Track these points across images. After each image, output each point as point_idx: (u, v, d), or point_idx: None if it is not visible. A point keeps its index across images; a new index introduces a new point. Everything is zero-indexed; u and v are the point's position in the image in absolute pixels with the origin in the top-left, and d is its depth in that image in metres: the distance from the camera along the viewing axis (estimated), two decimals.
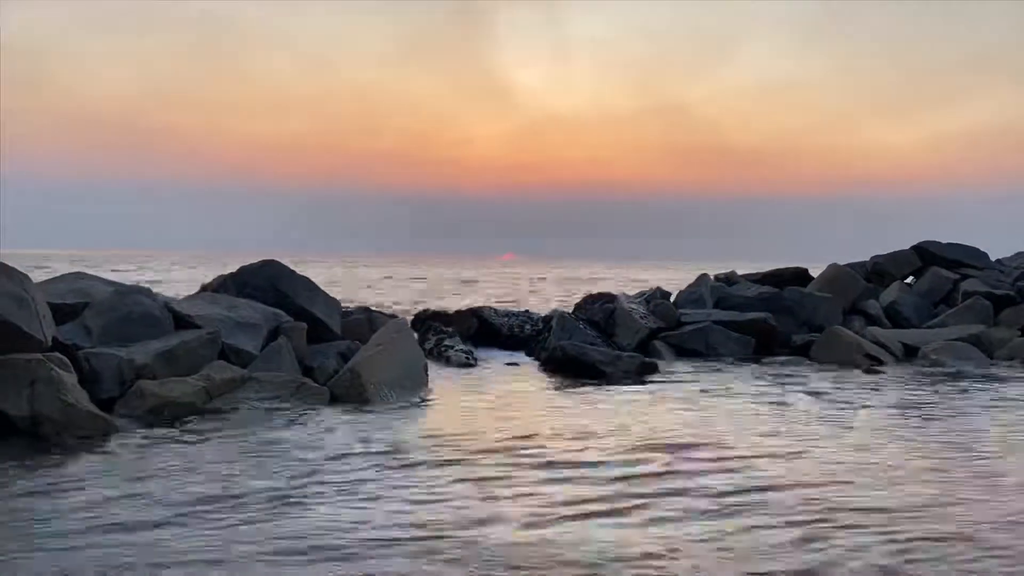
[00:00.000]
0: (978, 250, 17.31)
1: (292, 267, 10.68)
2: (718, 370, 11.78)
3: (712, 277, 16.91)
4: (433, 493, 5.45)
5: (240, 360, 8.69)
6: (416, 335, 12.18)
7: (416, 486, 5.61)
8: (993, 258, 18.05)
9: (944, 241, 17.31)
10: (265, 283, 10.33)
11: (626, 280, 37.32)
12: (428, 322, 13.61)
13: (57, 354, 7.21)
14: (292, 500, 5.22)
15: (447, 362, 11.64)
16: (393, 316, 12.60)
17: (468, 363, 11.66)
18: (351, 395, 8.39)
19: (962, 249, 17.14)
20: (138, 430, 7.02)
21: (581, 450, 6.69)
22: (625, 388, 9.87)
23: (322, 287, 10.82)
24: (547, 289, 31.70)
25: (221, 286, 10.45)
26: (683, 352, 13.40)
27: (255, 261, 10.59)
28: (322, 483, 5.62)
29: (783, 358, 12.80)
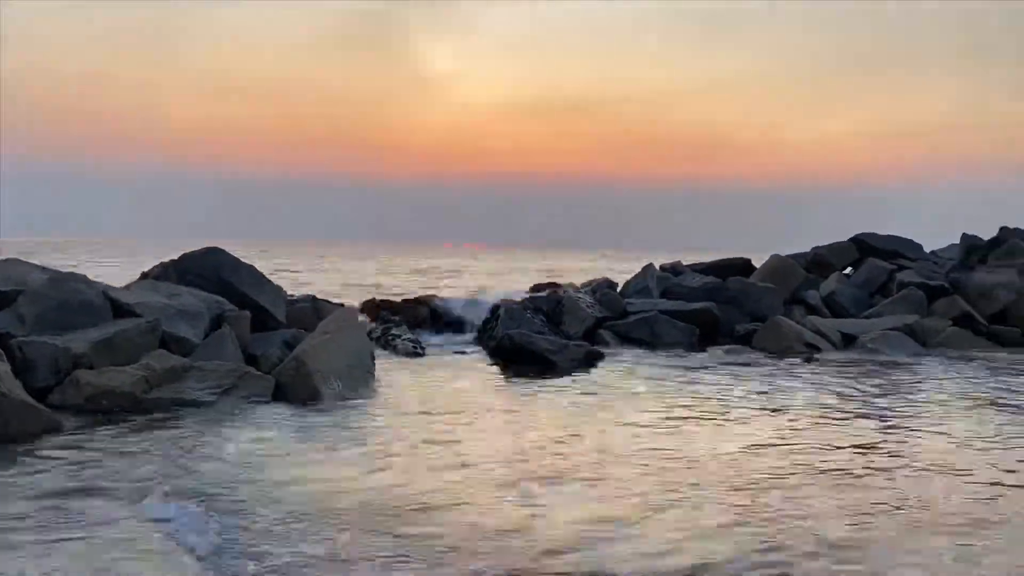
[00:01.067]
0: (913, 242, 17.85)
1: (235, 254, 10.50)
2: (661, 358, 11.97)
3: (658, 267, 17.16)
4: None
5: (182, 349, 8.53)
6: (364, 324, 12.12)
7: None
8: (928, 250, 18.64)
9: (881, 233, 17.82)
10: (208, 271, 10.15)
11: (575, 269, 37.51)
12: (376, 311, 13.54)
13: None
14: None
15: (395, 351, 11.60)
16: (340, 305, 12.50)
17: (416, 352, 11.63)
18: (296, 384, 8.30)
19: (898, 241, 17.66)
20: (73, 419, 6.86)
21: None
22: (568, 381, 9.89)
23: (266, 275, 10.68)
24: (497, 278, 31.71)
25: (162, 274, 10.23)
26: (629, 340, 13.57)
27: (197, 248, 10.39)
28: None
29: (727, 347, 13.04)
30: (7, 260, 9.41)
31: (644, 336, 13.58)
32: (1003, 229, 17.99)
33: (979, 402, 8.93)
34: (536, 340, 10.81)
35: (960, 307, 14.58)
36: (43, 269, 9.21)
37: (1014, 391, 9.57)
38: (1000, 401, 8.97)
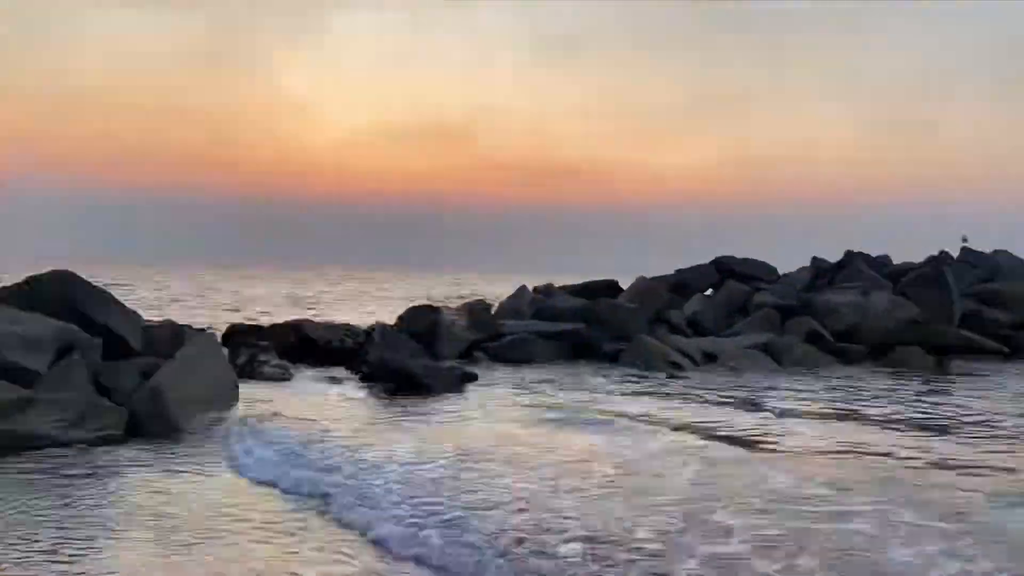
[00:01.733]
0: (769, 265, 18.93)
1: (88, 278, 9.92)
2: (531, 378, 12.13)
3: (532, 289, 17.46)
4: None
5: (24, 379, 7.97)
6: (226, 351, 11.70)
7: None
8: (781, 272, 19.80)
9: (740, 256, 18.80)
10: (56, 295, 9.54)
11: (449, 293, 37.57)
12: (241, 336, 13.10)
13: None
14: None
15: (261, 377, 11.24)
16: (202, 330, 12.02)
17: (283, 378, 11.32)
18: (152, 415, 7.91)
19: (755, 264, 18.68)
20: None
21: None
22: (441, 407, 9.86)
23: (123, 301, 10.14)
24: (372, 302, 31.33)
25: (7, 297, 9.55)
26: (503, 361, 13.72)
27: (44, 271, 9.77)
28: None
29: (595, 365, 13.39)
30: None
31: (517, 356, 13.77)
32: (847, 253, 19.38)
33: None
34: (410, 364, 10.76)
35: (810, 325, 15.55)
36: None
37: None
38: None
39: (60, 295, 9.55)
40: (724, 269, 18.45)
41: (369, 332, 13.09)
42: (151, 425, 7.83)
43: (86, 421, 7.62)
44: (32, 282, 9.74)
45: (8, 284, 9.89)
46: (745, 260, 18.67)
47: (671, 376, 12.46)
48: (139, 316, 10.33)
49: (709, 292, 18.50)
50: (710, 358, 14.31)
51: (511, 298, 16.69)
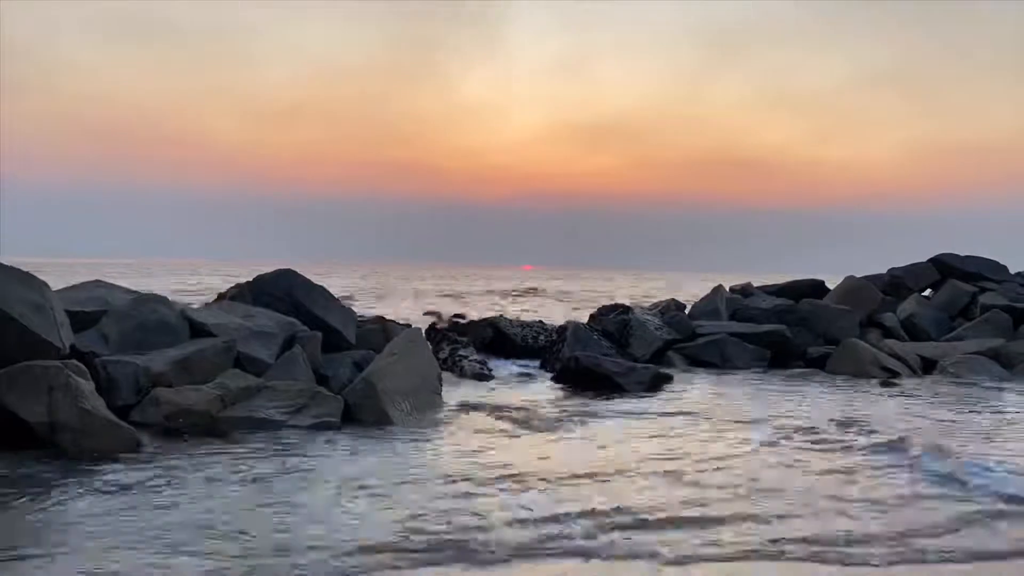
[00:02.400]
0: (997, 263, 17.14)
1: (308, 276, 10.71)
2: (729, 383, 11.72)
3: (728, 289, 16.87)
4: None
5: (255, 368, 8.71)
6: (430, 345, 12.19)
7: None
8: (1013, 271, 17.89)
9: (962, 254, 17.18)
10: (281, 292, 10.37)
11: (642, 291, 37.20)
12: (443, 331, 13.61)
13: (74, 361, 7.25)
14: None
15: (461, 372, 11.64)
16: (408, 326, 12.61)
17: (482, 373, 11.64)
18: (365, 405, 8.38)
19: (981, 262, 16.99)
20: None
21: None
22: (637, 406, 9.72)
23: (336, 296, 10.85)
24: (562, 299, 31.67)
25: (237, 295, 10.50)
26: (698, 363, 13.38)
27: (271, 270, 10.64)
28: None
29: (798, 370, 12.73)
30: (93, 281, 9.79)
31: (714, 359, 13.36)
32: None
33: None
34: (603, 362, 10.72)
35: None
36: (126, 290, 9.55)
37: None
38: None
39: (284, 291, 10.37)
40: (945, 267, 16.93)
41: (562, 330, 13.16)
42: (364, 414, 8.29)
43: (307, 408, 8.19)
44: (259, 280, 10.65)
45: (240, 282, 10.84)
46: (968, 257, 17.03)
47: (885, 384, 11.59)
48: (353, 311, 11.00)
49: (927, 293, 17.06)
50: (929, 365, 13.19)
51: (706, 298, 16.17)
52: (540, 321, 15.07)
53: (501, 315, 15.54)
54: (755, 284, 17.40)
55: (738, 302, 15.72)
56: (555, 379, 11.41)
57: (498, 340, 13.83)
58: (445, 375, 10.55)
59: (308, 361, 9.05)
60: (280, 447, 7.03)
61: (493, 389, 10.70)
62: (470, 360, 12.05)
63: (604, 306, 17.10)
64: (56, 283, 8.51)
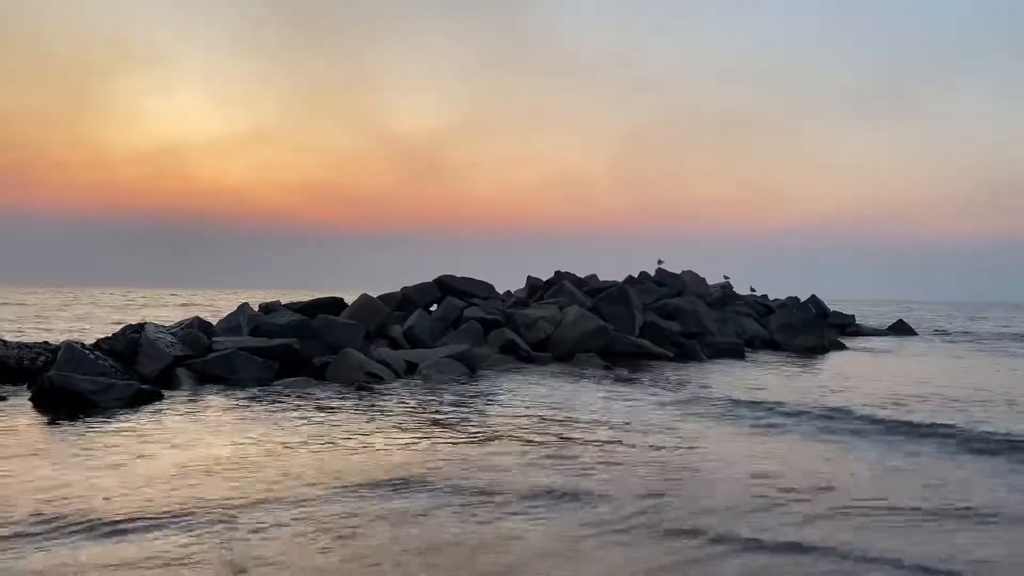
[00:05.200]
0: (486, 283, 20.67)
1: None
2: (226, 395, 12.77)
3: (257, 306, 18.02)
4: None
5: None
6: None
7: None
8: (503, 290, 21.68)
9: (460, 275, 20.43)
10: None
11: (216, 307, 36.86)
12: None
13: None
14: None
15: None
16: None
17: None
18: None
19: (472, 282, 20.36)
20: None
21: None
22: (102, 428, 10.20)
23: None
24: (97, 319, 30.19)
25: None
26: (208, 378, 14.13)
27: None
28: None
29: (295, 379, 14.16)
30: None
31: (221, 372, 14.21)
32: (556, 273, 21.60)
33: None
34: (76, 381, 10.95)
35: (506, 336, 17.33)
36: None
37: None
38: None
39: None
40: (445, 286, 19.98)
41: (56, 350, 13.09)
42: None
43: None
44: None
45: None
46: (463, 278, 20.31)
47: (361, 388, 13.49)
48: None
49: (434, 307, 19.94)
50: (413, 367, 15.62)
51: (231, 315, 17.13)
52: (44, 342, 14.71)
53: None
54: (288, 301, 18.81)
55: (260, 318, 16.93)
56: (33, 402, 11.20)
57: None
58: None
59: None
60: None
61: None
62: None
63: (128, 325, 17.18)
64: None
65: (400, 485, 6.93)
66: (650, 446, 8.85)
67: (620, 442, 9.02)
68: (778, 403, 12.22)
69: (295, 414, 10.69)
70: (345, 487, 6.84)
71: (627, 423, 10.30)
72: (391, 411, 11.09)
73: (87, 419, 9.98)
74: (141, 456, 7.94)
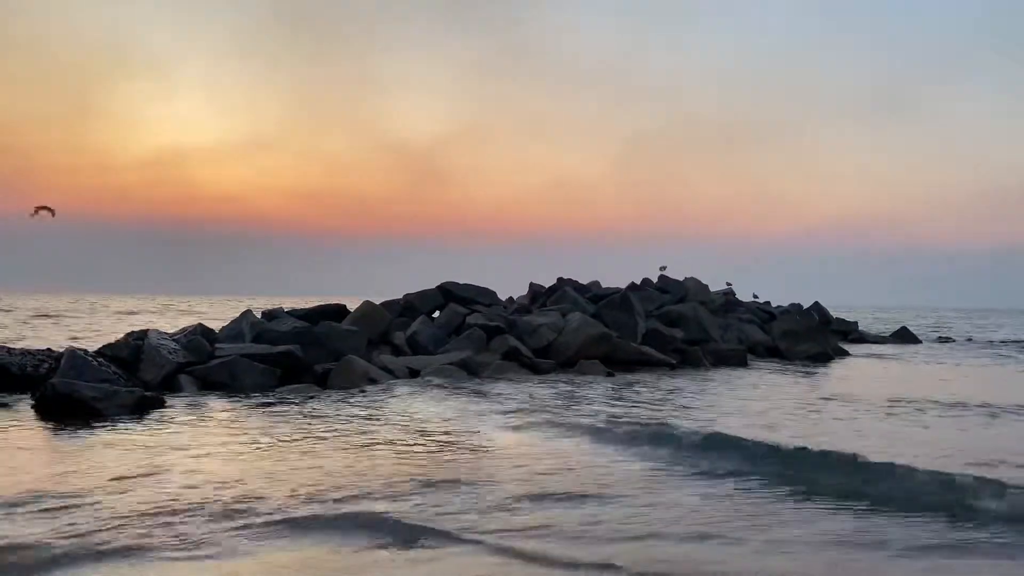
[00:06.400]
0: (488, 290, 20.67)
1: None
2: (226, 402, 12.77)
3: (260, 313, 18.03)
4: None
5: None
6: None
7: None
8: (506, 296, 21.67)
9: (462, 282, 20.43)
10: None
11: (218, 314, 36.88)
12: None
13: None
14: None
15: None
16: None
17: None
18: None
19: (475, 289, 20.36)
20: None
21: None
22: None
23: None
24: (104, 325, 30.20)
25: None
26: (210, 385, 14.12)
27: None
28: None
29: (296, 386, 14.14)
30: None
31: (223, 379, 14.21)
32: (559, 279, 21.60)
33: None
34: (79, 387, 10.93)
35: (509, 343, 17.31)
36: None
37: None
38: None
39: None
40: (448, 293, 19.99)
41: (59, 357, 13.10)
42: None
43: None
44: None
45: None
46: (466, 285, 20.31)
47: (363, 392, 13.54)
48: None
49: (437, 314, 19.93)
50: (415, 374, 15.63)
51: (234, 321, 17.13)
52: (47, 348, 14.73)
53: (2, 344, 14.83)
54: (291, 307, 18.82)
55: (262, 325, 16.93)
56: (35, 409, 11.16)
57: None
58: None
59: None
60: None
61: None
62: None
63: (131, 332, 17.20)
64: None
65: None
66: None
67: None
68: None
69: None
70: None
71: None
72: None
73: (94, 427, 9.96)
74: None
